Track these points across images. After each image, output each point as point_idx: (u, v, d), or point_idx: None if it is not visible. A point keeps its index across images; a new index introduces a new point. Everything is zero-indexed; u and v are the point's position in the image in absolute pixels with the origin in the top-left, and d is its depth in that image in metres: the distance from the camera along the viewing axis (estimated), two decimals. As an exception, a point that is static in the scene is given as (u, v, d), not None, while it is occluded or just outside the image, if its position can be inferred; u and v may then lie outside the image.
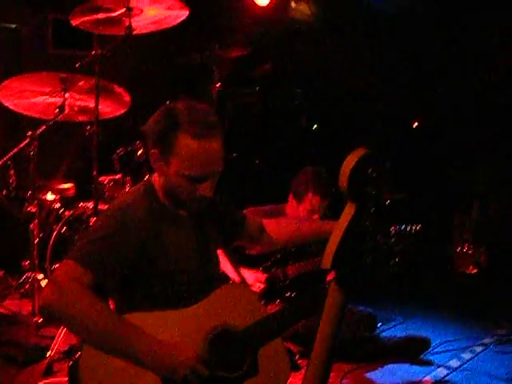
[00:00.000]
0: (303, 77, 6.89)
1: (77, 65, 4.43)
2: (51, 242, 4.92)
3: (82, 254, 2.31)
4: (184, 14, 4.57)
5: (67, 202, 5.29)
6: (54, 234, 4.96)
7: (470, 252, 6.56)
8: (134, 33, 4.54)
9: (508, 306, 5.77)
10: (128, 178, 5.00)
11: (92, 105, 4.58)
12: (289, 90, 6.93)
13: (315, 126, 6.86)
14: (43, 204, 5.12)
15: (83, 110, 4.92)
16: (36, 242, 4.70)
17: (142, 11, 4.51)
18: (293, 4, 6.91)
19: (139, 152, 4.94)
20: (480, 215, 6.45)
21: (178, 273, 2.50)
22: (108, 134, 4.82)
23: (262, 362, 2.50)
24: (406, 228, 4.79)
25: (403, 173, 6.65)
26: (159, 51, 5.91)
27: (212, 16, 6.15)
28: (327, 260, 1.62)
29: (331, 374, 4.12)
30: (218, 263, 2.81)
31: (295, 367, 4.38)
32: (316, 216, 4.61)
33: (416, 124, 6.70)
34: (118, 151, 4.99)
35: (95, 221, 2.58)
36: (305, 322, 4.61)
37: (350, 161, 1.63)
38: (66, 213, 5.10)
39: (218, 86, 5.65)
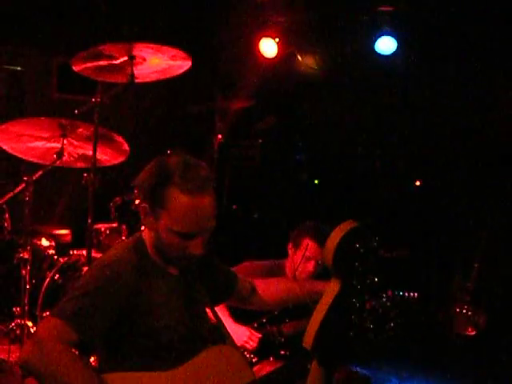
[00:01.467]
0: (306, 131, 6.88)
1: (76, 111, 4.41)
2: (43, 288, 4.83)
3: (66, 311, 2.25)
4: (187, 64, 4.55)
5: (62, 248, 5.21)
6: (47, 280, 4.86)
7: (469, 314, 6.52)
8: (137, 81, 4.54)
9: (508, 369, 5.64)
10: (124, 227, 4.94)
11: (90, 152, 4.54)
12: (291, 144, 6.92)
13: (316, 181, 6.84)
14: (37, 249, 5.03)
15: (82, 157, 4.87)
16: (28, 288, 4.62)
17: (145, 60, 4.50)
18: (299, 57, 6.92)
19: (136, 202, 4.89)
20: (479, 278, 6.36)
21: (165, 331, 2.42)
22: (106, 183, 4.78)
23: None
24: (402, 294, 4.77)
25: (406, 230, 6.59)
26: (162, 101, 5.90)
27: (216, 66, 6.16)
28: (308, 340, 1.55)
29: None
30: (207, 322, 2.72)
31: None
32: (312, 263, 4.50)
33: (418, 183, 6.67)
34: (114, 200, 4.94)
35: (83, 275, 2.50)
36: None
37: (336, 235, 1.55)
38: (60, 260, 5.02)
39: (219, 137, 5.63)
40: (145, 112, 5.84)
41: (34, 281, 4.77)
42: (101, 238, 5.11)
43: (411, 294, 4.70)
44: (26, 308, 4.60)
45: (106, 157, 4.84)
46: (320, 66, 6.94)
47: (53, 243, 5.20)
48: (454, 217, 6.65)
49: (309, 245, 4.59)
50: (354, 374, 4.69)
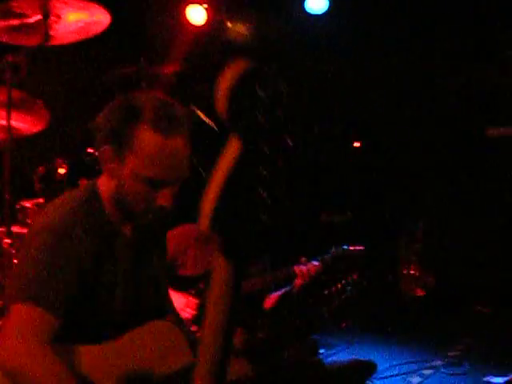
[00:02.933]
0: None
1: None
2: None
3: (36, 294, 1.93)
4: (106, 19, 4.26)
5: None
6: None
7: (416, 274, 6.41)
8: (53, 43, 4.25)
9: (456, 328, 5.54)
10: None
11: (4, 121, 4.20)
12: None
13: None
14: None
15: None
16: None
17: (60, 18, 4.19)
18: (229, 24, 6.68)
19: (60, 171, 4.59)
20: (425, 237, 6.28)
21: (107, 302, 2.14)
22: (25, 153, 4.48)
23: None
24: (347, 249, 4.64)
25: (347, 194, 6.45)
26: (83, 65, 5.59)
27: (141, 30, 5.89)
28: (204, 221, 1.18)
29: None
30: (154, 294, 2.38)
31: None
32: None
33: (357, 144, 6.52)
34: (37, 170, 4.61)
35: (27, 250, 2.07)
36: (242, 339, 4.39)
37: (231, 75, 1.18)
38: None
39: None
40: (65, 76, 5.53)
41: None
42: (27, 216, 4.78)
43: (356, 247, 4.62)
44: None
45: (25, 125, 4.50)
46: (251, 32, 6.71)
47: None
48: (397, 178, 6.54)
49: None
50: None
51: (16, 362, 1.85)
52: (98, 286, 2.11)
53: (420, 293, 6.07)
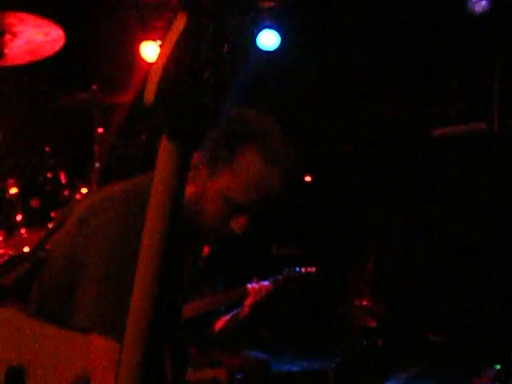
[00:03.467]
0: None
1: None
2: None
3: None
4: (61, 40, 4.30)
5: None
6: None
7: (368, 305, 6.43)
8: (7, 62, 4.26)
9: (407, 356, 5.56)
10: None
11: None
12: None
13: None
14: None
15: None
16: None
17: (15, 36, 4.22)
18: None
19: (12, 191, 4.55)
20: (376, 268, 6.33)
21: None
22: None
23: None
24: (299, 270, 4.67)
25: (296, 227, 6.49)
26: (34, 86, 5.58)
27: (94, 57, 5.92)
28: (150, 92, 1.15)
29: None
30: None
31: None
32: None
33: (309, 179, 6.60)
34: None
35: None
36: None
37: None
38: None
39: (100, 131, 5.35)
40: (18, 97, 5.52)
41: None
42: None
43: (308, 268, 4.65)
44: None
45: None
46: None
47: None
48: (346, 210, 6.61)
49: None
50: (251, 360, 4.50)
51: None
52: None
53: (372, 323, 6.08)
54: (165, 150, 1.18)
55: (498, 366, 4.05)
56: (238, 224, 1.98)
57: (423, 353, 5.60)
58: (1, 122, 4.59)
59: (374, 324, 6.10)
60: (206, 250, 4.41)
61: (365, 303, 6.17)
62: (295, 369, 4.55)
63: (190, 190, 1.96)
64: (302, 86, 6.32)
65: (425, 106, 6.02)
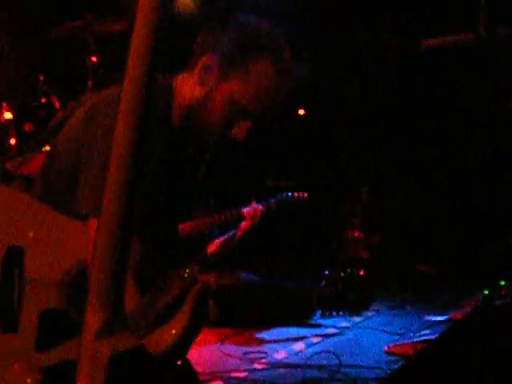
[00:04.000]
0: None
1: None
2: None
3: None
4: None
5: None
6: None
7: (361, 237, 6.50)
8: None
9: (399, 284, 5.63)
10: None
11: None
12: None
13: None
14: None
15: None
16: None
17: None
18: (176, -4, 6.72)
19: (6, 115, 4.57)
20: (369, 200, 6.37)
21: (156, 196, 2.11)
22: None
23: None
24: (292, 194, 4.72)
25: (290, 161, 6.51)
26: (22, 20, 5.55)
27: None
28: None
29: (211, 338, 3.90)
30: (184, 200, 2.38)
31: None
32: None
33: (302, 112, 6.59)
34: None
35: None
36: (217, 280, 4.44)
37: None
38: None
39: (94, 60, 5.33)
40: (12, 26, 5.48)
41: None
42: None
43: (301, 193, 4.69)
44: None
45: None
46: (198, 6, 6.76)
47: None
48: (340, 144, 6.63)
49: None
50: (241, 280, 4.60)
51: None
52: None
53: (365, 255, 6.15)
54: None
55: (486, 291, 4.15)
56: (240, 130, 2.04)
57: (415, 283, 5.65)
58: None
59: (367, 255, 6.18)
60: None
61: (357, 235, 6.24)
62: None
63: (199, 90, 2.04)
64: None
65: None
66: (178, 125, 2.10)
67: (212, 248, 4.62)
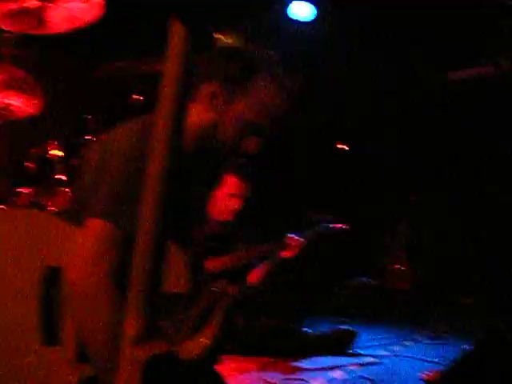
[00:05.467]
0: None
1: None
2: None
3: (116, 214, 2.01)
4: (99, 4, 4.46)
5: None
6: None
7: (402, 268, 6.54)
8: (48, 31, 4.43)
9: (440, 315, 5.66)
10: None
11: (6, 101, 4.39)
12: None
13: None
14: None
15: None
16: None
17: (56, 3, 4.40)
18: (217, 36, 6.91)
19: (54, 152, 4.77)
20: (410, 232, 6.42)
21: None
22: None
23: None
24: (333, 227, 4.77)
25: (329, 193, 6.59)
26: (73, 57, 5.76)
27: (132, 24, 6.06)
28: None
29: (251, 366, 3.99)
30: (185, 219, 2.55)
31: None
32: (235, 200, 4.47)
33: (341, 146, 6.70)
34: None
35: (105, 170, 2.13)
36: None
37: None
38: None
39: (135, 98, 5.51)
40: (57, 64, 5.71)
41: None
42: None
43: (341, 225, 4.74)
44: None
45: (20, 105, 4.68)
46: (238, 43, 6.93)
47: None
48: (381, 174, 6.70)
49: (232, 181, 4.54)
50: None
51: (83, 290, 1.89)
52: None
53: (405, 286, 6.19)
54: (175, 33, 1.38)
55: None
56: (251, 145, 2.23)
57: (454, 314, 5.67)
58: (45, 89, 4.77)
59: (407, 287, 6.23)
60: (239, 205, 4.58)
61: (397, 266, 6.29)
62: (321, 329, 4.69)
63: (209, 115, 2.22)
64: (337, 56, 6.39)
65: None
66: (190, 151, 2.24)
67: (252, 278, 4.71)
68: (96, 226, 1.98)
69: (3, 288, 2.00)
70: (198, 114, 2.22)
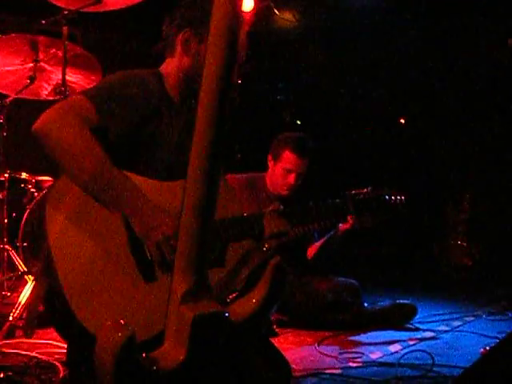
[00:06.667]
0: (287, 73, 6.83)
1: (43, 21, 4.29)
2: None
3: (92, 93, 2.25)
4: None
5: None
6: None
7: (464, 245, 6.43)
8: (104, 8, 4.45)
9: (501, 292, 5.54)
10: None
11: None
12: (272, 85, 6.85)
13: (298, 121, 6.74)
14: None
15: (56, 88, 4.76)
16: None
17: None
18: (276, 11, 6.88)
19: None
20: (472, 208, 6.30)
21: (160, 159, 2.37)
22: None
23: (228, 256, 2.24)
24: (389, 198, 4.67)
25: (395, 168, 6.52)
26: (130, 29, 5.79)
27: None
28: None
29: (309, 340, 3.97)
30: None
31: (273, 333, 4.18)
32: (292, 176, 4.45)
33: (403, 121, 6.62)
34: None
35: (110, 76, 2.44)
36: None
37: None
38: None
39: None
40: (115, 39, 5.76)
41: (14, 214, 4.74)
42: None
43: (398, 196, 4.64)
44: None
45: (78, 79, 4.74)
46: (298, 20, 6.91)
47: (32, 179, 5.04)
48: (442, 151, 6.60)
49: (290, 157, 4.53)
50: (342, 284, 4.61)
51: (52, 126, 2.12)
52: (155, 137, 2.36)
53: (468, 262, 6.09)
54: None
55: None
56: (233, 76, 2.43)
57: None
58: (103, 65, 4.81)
59: (470, 263, 6.12)
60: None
61: (460, 242, 6.19)
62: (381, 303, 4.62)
63: (186, 60, 2.47)
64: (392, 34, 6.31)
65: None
66: (179, 100, 2.48)
67: (312, 251, 4.68)
68: (76, 97, 2.23)
69: None
70: (176, 63, 2.48)
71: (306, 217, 4.22)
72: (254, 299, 1.67)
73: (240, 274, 1.83)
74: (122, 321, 1.41)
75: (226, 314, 1.46)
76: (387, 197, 4.56)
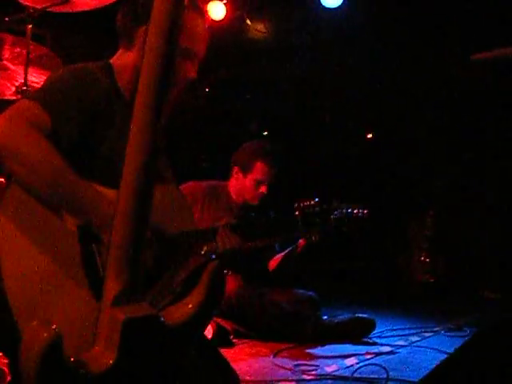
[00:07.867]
0: (256, 84, 6.83)
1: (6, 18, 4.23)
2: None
3: (40, 95, 2.12)
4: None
5: None
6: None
7: (427, 261, 6.43)
8: (75, 9, 4.39)
9: (462, 308, 5.56)
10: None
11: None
12: (240, 95, 6.84)
13: (265, 132, 6.75)
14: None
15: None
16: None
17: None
18: (248, 21, 6.87)
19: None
20: (435, 224, 6.32)
21: (113, 160, 2.18)
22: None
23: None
24: (351, 211, 4.67)
25: (359, 184, 6.53)
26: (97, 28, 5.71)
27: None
28: None
29: (265, 351, 3.93)
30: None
31: (229, 344, 4.14)
32: (265, 186, 4.51)
33: (370, 135, 6.63)
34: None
35: (57, 74, 2.30)
36: (238, 297, 4.46)
37: None
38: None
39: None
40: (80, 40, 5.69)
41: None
42: None
43: (360, 210, 4.63)
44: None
45: (41, 80, 4.66)
46: (269, 30, 6.90)
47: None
48: (406, 167, 6.63)
49: (261, 168, 4.56)
50: (301, 296, 4.58)
51: (4, 138, 1.96)
52: (106, 136, 2.24)
53: (430, 278, 6.10)
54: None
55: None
56: (191, 71, 2.43)
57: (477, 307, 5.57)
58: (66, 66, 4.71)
59: (432, 279, 6.12)
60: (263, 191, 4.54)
61: (423, 258, 6.19)
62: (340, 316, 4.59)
63: (134, 56, 2.39)
64: (364, 43, 6.32)
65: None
66: (129, 97, 2.34)
67: (273, 264, 4.68)
68: (25, 102, 2.09)
69: None
70: (134, 58, 2.39)
71: (257, 232, 4.25)
72: (190, 304, 1.63)
73: (177, 277, 1.77)
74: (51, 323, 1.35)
75: (161, 318, 1.42)
76: (349, 210, 4.62)
